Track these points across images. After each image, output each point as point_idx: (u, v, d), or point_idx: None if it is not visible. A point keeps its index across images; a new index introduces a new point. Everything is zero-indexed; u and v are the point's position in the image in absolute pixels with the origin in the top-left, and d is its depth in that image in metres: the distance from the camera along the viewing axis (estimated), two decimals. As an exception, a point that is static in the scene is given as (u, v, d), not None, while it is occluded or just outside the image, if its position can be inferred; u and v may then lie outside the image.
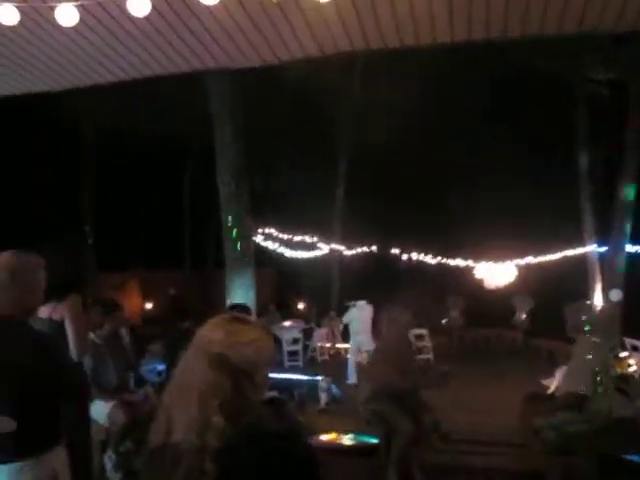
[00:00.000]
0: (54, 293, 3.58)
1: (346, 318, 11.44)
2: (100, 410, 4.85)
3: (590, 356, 4.16)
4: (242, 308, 5.67)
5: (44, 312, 3.66)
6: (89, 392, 2.74)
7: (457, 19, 2.96)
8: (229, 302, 9.40)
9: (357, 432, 4.79)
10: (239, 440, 1.43)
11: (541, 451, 4.18)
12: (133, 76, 3.71)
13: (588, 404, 4.05)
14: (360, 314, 11.04)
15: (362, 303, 11.21)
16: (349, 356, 11.10)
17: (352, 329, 11.16)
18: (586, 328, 4.30)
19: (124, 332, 5.27)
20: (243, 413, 1.50)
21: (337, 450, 4.87)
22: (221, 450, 1.41)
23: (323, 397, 4.67)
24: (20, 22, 3.12)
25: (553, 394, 4.89)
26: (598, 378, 4.03)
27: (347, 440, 4.84)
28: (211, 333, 1.57)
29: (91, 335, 5.07)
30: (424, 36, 3.08)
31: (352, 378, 10.11)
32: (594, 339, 4.37)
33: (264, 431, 1.52)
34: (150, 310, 22.26)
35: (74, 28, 3.44)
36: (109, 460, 4.75)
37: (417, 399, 4.91)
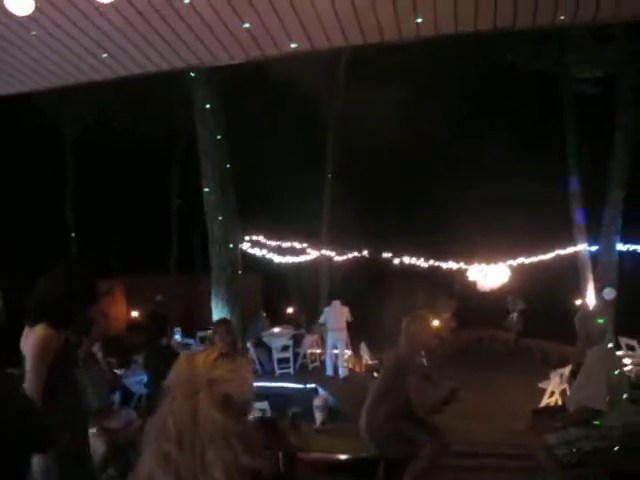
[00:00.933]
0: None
1: (322, 318, 12.44)
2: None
3: (604, 369, 3.95)
4: (224, 322, 5.44)
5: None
6: (55, 442, 2.20)
7: (462, 9, 2.73)
8: (215, 313, 9.18)
9: (356, 454, 4.54)
10: None
11: (554, 467, 3.96)
12: (108, 77, 3.44)
13: (603, 419, 3.84)
14: (334, 312, 12.16)
15: (336, 302, 12.38)
16: (327, 351, 12.09)
17: (328, 327, 12.16)
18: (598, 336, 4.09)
19: (97, 348, 4.93)
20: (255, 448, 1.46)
21: (333, 466, 4.64)
22: None
23: (318, 416, 4.41)
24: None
25: (563, 407, 4.67)
26: (612, 393, 3.83)
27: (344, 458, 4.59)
28: (208, 374, 1.47)
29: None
30: (426, 28, 2.85)
31: (330, 371, 11.66)
32: (606, 348, 4.17)
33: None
34: (136, 318, 21.83)
35: (41, 28, 3.18)
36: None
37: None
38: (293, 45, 2.98)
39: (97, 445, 4.45)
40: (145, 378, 10.20)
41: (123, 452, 4.64)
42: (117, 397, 5.53)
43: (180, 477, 1.38)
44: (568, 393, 7.85)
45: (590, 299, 14.58)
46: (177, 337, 12.48)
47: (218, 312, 9.86)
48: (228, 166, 9.60)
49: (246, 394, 1.51)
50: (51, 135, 18.30)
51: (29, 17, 2.85)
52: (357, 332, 13.01)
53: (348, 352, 13.19)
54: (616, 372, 4.06)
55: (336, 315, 12.16)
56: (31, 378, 2.62)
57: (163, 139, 19.38)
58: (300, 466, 3.85)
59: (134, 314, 21.92)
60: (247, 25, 2.82)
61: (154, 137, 18.22)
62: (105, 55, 3.40)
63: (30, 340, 2.74)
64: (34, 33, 3.21)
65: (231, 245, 9.66)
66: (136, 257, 22.14)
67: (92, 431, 4.54)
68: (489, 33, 2.99)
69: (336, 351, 11.85)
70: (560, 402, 7.87)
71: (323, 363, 12.70)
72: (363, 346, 12.23)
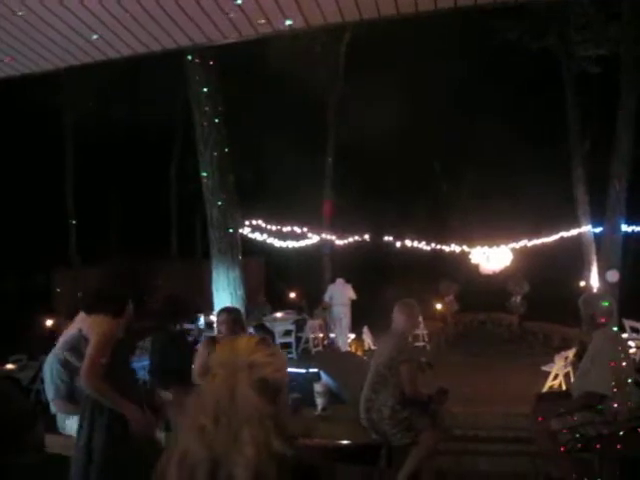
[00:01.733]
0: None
1: (327, 296, 13.47)
2: (75, 426, 4.51)
3: (609, 353, 3.88)
4: (234, 311, 5.43)
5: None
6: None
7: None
8: (216, 298, 9.13)
9: (358, 440, 4.48)
10: (278, 472, 1.46)
11: (557, 453, 3.91)
12: (98, 59, 3.34)
13: (608, 404, 3.78)
14: (337, 288, 13.33)
15: (340, 280, 13.49)
16: (335, 326, 13.23)
17: (333, 302, 13.28)
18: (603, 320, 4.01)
19: None
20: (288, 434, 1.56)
21: (335, 452, 4.59)
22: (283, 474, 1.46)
23: (320, 402, 4.35)
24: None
25: (567, 393, 4.60)
26: (618, 377, 3.76)
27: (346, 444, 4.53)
28: (249, 357, 1.58)
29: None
30: (424, 2, 2.73)
31: (343, 346, 12.68)
32: (612, 332, 4.10)
33: (291, 461, 1.51)
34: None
35: (28, 8, 3.08)
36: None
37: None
38: (288, 22, 2.88)
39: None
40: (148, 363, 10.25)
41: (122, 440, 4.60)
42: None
43: (213, 451, 1.48)
44: (572, 376, 7.84)
45: (594, 281, 14.50)
46: (200, 323, 12.36)
47: (219, 297, 9.81)
48: (226, 150, 9.49)
49: (281, 379, 1.61)
50: (50, 120, 18.15)
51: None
52: (360, 316, 12.99)
53: (351, 335, 13.25)
54: (621, 355, 3.99)
55: (340, 291, 13.22)
56: (93, 358, 3.09)
57: (163, 123, 19.24)
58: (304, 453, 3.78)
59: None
60: (239, 2, 2.72)
61: (154, 121, 18.09)
62: (95, 37, 3.29)
63: (95, 328, 3.18)
64: (20, 14, 3.11)
65: (231, 230, 9.58)
66: (136, 242, 22.08)
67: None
68: (490, 7, 2.87)
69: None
70: (564, 385, 7.82)
71: (326, 348, 12.72)
72: (366, 330, 12.18)
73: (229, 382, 1.53)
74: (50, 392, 4.57)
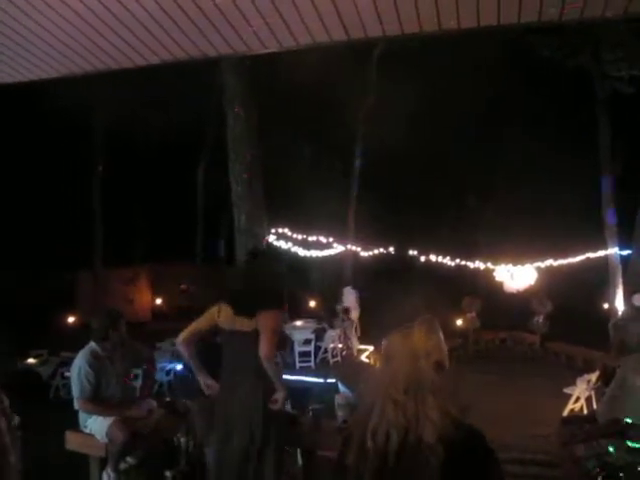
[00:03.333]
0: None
1: (344, 301, 14.60)
2: (99, 426, 4.58)
3: (638, 378, 3.81)
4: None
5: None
6: None
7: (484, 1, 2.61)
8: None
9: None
10: (456, 433, 1.84)
11: (580, 479, 3.83)
12: (139, 64, 3.39)
13: (637, 432, 3.70)
14: (348, 297, 14.77)
15: (348, 288, 15.06)
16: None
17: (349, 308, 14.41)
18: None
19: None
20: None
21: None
22: (447, 444, 1.81)
23: (340, 415, 4.33)
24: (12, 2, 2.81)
25: (592, 417, 4.52)
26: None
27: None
28: (425, 346, 2.04)
29: (94, 346, 4.80)
30: (446, 21, 2.73)
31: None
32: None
33: (466, 426, 1.91)
34: (160, 305, 22.02)
35: (70, 9, 3.12)
36: (108, 478, 4.47)
37: None
38: (310, 38, 2.90)
39: (116, 434, 4.45)
40: (168, 365, 10.29)
41: (142, 441, 4.63)
42: (140, 385, 5.51)
43: (405, 417, 1.87)
44: (594, 400, 7.71)
45: (618, 304, 14.28)
46: None
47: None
48: (256, 157, 9.54)
49: (446, 360, 2.31)
50: (80, 121, 18.40)
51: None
52: (381, 329, 12.92)
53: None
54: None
55: (351, 299, 14.76)
56: (270, 345, 3.67)
57: (193, 128, 19.42)
58: (320, 464, 3.79)
59: (158, 302, 22.14)
60: (264, 16, 2.74)
61: (184, 126, 18.27)
62: (121, 43, 3.31)
63: (269, 321, 3.73)
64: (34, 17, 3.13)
65: (257, 236, 9.61)
66: (162, 246, 22.31)
67: (113, 419, 4.55)
68: (513, 27, 2.87)
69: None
70: (585, 409, 7.70)
71: (345, 359, 12.68)
72: (384, 342, 12.15)
73: (414, 366, 1.95)
74: (76, 390, 4.68)
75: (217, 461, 3.83)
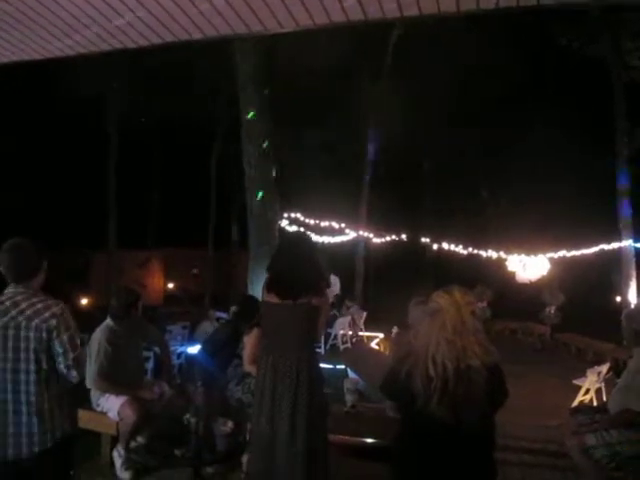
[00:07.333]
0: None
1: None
2: (111, 404, 4.61)
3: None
4: None
5: None
6: None
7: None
8: (250, 288, 9.16)
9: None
10: (489, 360, 2.69)
11: (590, 469, 3.82)
12: (155, 42, 3.37)
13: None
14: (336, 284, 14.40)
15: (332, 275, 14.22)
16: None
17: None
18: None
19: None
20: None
21: (364, 450, 4.53)
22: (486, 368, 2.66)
23: (349, 399, 4.34)
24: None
25: (602, 407, 4.49)
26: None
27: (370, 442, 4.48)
28: (465, 300, 2.77)
29: (112, 324, 4.82)
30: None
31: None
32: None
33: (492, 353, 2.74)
34: (172, 289, 22.15)
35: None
36: (118, 456, 4.51)
37: None
38: (327, 17, 2.87)
39: (127, 413, 4.48)
40: (178, 349, 10.35)
41: (153, 420, 4.68)
42: (150, 367, 5.55)
43: (456, 349, 2.63)
44: (604, 392, 7.66)
45: (631, 296, 14.18)
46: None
47: (254, 287, 9.84)
48: (270, 141, 9.49)
49: (478, 310, 2.84)
50: (97, 105, 18.43)
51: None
52: (392, 317, 12.90)
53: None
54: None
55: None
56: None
57: (207, 113, 19.37)
58: (330, 449, 3.79)
59: (170, 286, 22.26)
60: None
61: (198, 111, 18.24)
62: (137, 21, 3.28)
63: (324, 304, 3.81)
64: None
65: (270, 221, 9.58)
66: (174, 231, 22.37)
67: (125, 398, 4.59)
68: (531, 10, 2.81)
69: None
70: (595, 401, 7.66)
71: (354, 345, 12.68)
72: (395, 329, 12.11)
73: (459, 313, 2.69)
74: (95, 367, 4.66)
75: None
